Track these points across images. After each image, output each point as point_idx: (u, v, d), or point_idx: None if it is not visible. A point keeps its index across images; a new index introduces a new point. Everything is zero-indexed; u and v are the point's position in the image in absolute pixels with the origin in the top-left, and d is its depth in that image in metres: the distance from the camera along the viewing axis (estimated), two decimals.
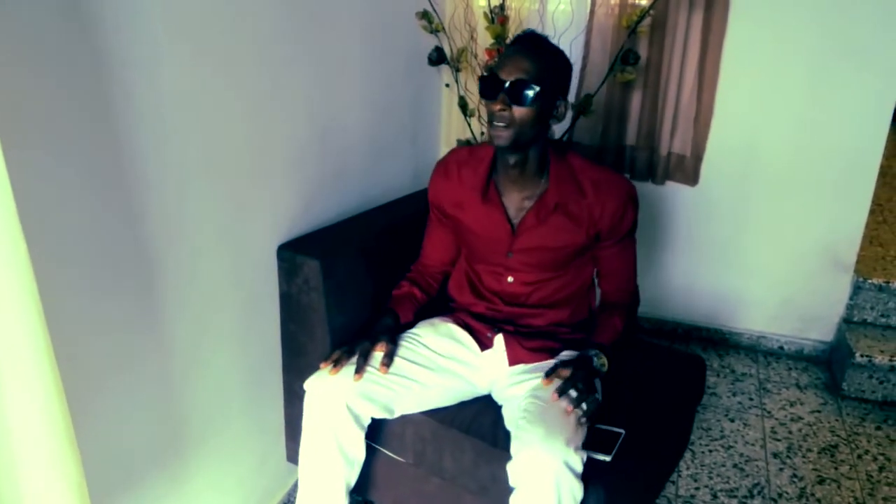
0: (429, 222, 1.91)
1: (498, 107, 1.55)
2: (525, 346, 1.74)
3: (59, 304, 1.13)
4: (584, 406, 1.51)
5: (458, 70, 2.48)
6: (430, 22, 2.33)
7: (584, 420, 1.51)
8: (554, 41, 1.57)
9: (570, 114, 2.42)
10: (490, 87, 1.56)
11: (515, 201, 1.71)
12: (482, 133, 2.57)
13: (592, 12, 2.66)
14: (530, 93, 1.53)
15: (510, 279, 1.75)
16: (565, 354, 1.75)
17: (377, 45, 2.12)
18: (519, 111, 1.55)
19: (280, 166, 1.76)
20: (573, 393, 1.53)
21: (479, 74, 1.60)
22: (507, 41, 1.61)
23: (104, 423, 1.37)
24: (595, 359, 1.64)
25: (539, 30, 2.59)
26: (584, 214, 1.67)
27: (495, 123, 1.56)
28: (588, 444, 1.53)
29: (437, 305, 1.92)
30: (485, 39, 2.55)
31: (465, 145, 1.91)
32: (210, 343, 1.64)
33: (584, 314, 1.84)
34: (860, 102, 2.56)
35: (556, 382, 1.57)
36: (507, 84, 1.53)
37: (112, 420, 1.39)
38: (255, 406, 1.85)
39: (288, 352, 1.88)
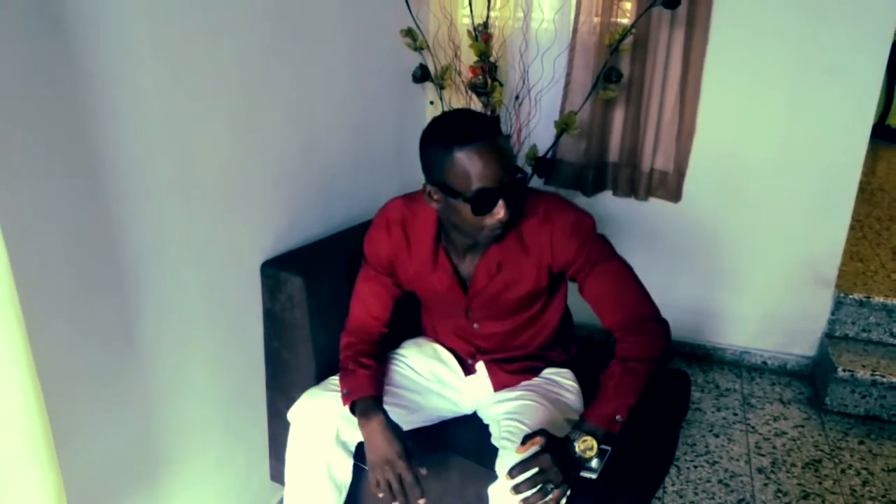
0: (363, 281, 1.68)
1: (501, 216, 1.38)
2: (507, 370, 1.71)
3: (39, 321, 1.11)
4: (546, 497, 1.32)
5: (442, 87, 2.49)
6: (415, 39, 2.34)
7: None
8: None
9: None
10: (486, 202, 1.36)
11: (467, 262, 1.59)
12: None
13: (575, 30, 2.69)
14: (524, 183, 1.43)
15: (476, 326, 1.69)
16: (548, 372, 1.75)
17: (361, 63, 2.13)
18: (515, 204, 1.43)
19: (263, 183, 1.76)
20: (528, 490, 1.31)
21: (465, 197, 1.37)
22: (452, 140, 1.35)
23: (84, 440, 1.35)
24: (576, 445, 1.39)
25: (522, 48, 2.64)
26: (530, 266, 1.54)
27: (493, 230, 1.42)
28: None
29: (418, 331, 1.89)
30: (469, 57, 2.56)
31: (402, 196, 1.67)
32: (192, 360, 1.62)
33: (566, 333, 1.81)
34: (839, 119, 2.60)
35: (532, 449, 1.37)
36: (504, 190, 1.36)
37: (92, 438, 1.37)
38: (238, 424, 1.83)
39: (272, 369, 1.87)
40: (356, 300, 1.68)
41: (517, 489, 1.31)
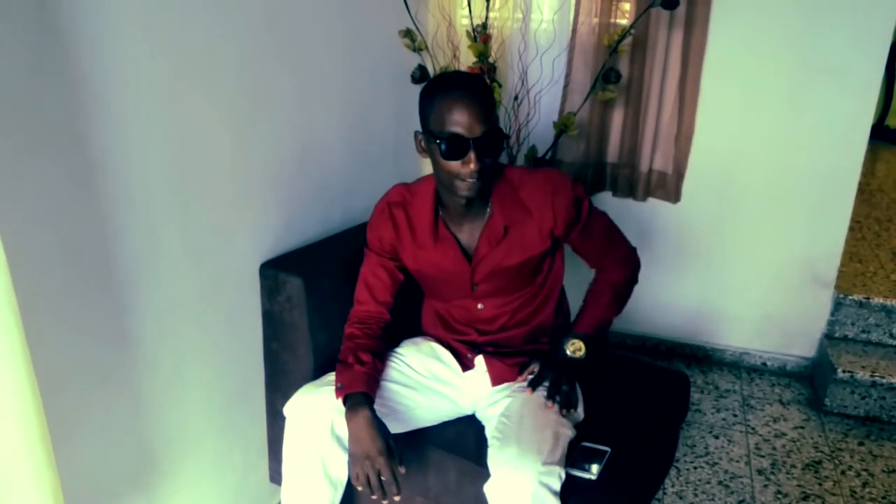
0: (366, 266, 1.74)
1: (472, 166, 1.46)
2: (506, 363, 1.72)
3: (36, 323, 1.11)
4: (557, 399, 1.57)
5: None
6: (413, 40, 2.34)
7: (564, 412, 1.56)
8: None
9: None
10: (457, 148, 1.46)
11: (466, 232, 1.65)
12: None
13: (574, 31, 2.69)
14: (499, 140, 1.50)
15: (480, 306, 1.72)
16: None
17: (359, 63, 2.13)
18: (489, 158, 1.49)
19: (262, 184, 1.76)
20: (542, 390, 1.59)
21: (438, 138, 1.47)
22: (437, 89, 1.50)
23: (82, 441, 1.35)
24: (566, 348, 1.65)
25: (521, 49, 2.64)
26: (534, 229, 1.62)
27: (466, 181, 1.49)
28: (573, 463, 1.52)
29: (418, 330, 1.89)
30: (467, 58, 2.56)
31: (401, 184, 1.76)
32: (191, 361, 1.62)
33: (561, 318, 1.83)
34: (838, 120, 2.60)
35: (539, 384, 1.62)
36: (476, 140, 1.45)
37: (90, 439, 1.37)
38: (236, 425, 1.83)
39: (270, 370, 1.86)
40: (360, 286, 1.73)
41: (554, 403, 1.56)
